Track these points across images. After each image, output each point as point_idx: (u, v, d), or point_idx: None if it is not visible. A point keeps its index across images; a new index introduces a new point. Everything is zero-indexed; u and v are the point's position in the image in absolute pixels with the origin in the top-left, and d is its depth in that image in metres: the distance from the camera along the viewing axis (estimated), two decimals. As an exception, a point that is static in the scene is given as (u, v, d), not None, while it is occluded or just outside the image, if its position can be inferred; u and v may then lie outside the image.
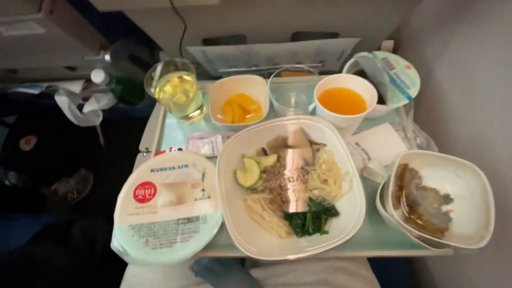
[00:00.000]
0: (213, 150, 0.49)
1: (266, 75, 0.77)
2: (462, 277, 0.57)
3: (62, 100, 0.80)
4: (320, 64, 0.68)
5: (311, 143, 0.45)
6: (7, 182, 1.07)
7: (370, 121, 0.50)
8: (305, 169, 0.44)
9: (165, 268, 0.49)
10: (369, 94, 0.42)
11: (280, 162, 0.45)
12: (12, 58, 0.65)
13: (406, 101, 0.44)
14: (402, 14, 0.48)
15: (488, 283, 0.51)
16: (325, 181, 0.42)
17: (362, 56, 0.47)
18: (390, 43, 0.70)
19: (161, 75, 0.50)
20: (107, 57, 0.61)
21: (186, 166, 0.45)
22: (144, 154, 0.54)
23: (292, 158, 0.44)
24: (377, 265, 0.52)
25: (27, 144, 1.14)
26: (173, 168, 0.45)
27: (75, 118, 0.81)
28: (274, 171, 0.44)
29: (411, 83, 0.46)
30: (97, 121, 0.88)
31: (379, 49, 0.70)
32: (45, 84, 0.80)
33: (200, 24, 0.54)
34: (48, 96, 0.84)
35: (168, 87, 0.50)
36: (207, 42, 0.60)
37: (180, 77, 0.51)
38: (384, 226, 0.41)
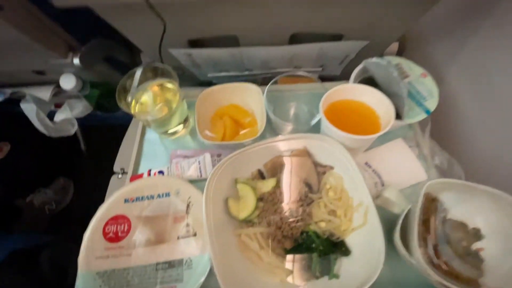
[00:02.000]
0: (200, 172, 0.42)
1: (259, 80, 0.70)
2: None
3: (29, 108, 0.71)
4: (320, 69, 0.61)
5: (316, 165, 0.38)
6: (-23, 194, 0.97)
7: (381, 136, 0.44)
8: (310, 197, 0.37)
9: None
10: (384, 109, 0.36)
11: (280, 187, 0.38)
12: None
13: (423, 115, 0.38)
14: (416, 15, 0.42)
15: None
16: (333, 212, 0.36)
17: (374, 62, 0.40)
18: (394, 46, 0.64)
19: (138, 85, 0.42)
20: (76, 61, 0.52)
21: (168, 194, 0.37)
22: (120, 175, 0.46)
23: (294, 184, 0.38)
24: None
25: (-1, 151, 1.04)
26: (152, 197, 0.38)
27: (45, 128, 0.72)
28: (273, 199, 0.37)
29: (428, 93, 0.40)
30: (72, 130, 0.79)
31: (383, 52, 0.64)
32: (9, 90, 0.71)
33: (184, 23, 0.46)
34: (16, 102, 0.75)
35: (145, 97, 0.42)
36: (194, 43, 0.52)
37: (161, 85, 0.43)
38: (400, 262, 0.35)
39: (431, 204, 0.32)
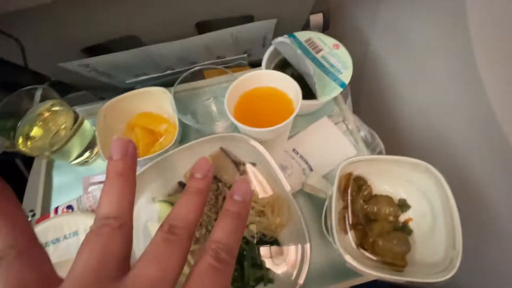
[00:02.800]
0: (117, 196, 0.37)
1: (188, 76, 0.65)
2: None
3: None
4: (245, 55, 0.57)
5: (237, 163, 0.35)
6: None
7: (307, 117, 0.41)
8: (235, 201, 0.34)
9: None
10: (294, 91, 0.33)
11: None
12: None
13: (339, 90, 0.36)
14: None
15: None
16: (261, 212, 0.33)
17: (280, 42, 0.37)
18: (318, 17, 0.62)
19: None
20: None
21: (76, 233, 0.33)
22: (29, 219, 0.40)
23: (216, 190, 0.34)
24: None
25: None
26: (58, 240, 0.33)
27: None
28: (197, 211, 0.34)
29: (342, 65, 0.38)
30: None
31: (308, 25, 0.61)
32: None
33: (66, 30, 0.40)
34: None
35: (34, 129, 0.36)
36: (91, 51, 0.46)
37: (48, 110, 0.37)
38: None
39: (352, 184, 0.30)
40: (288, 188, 0.30)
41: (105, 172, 0.16)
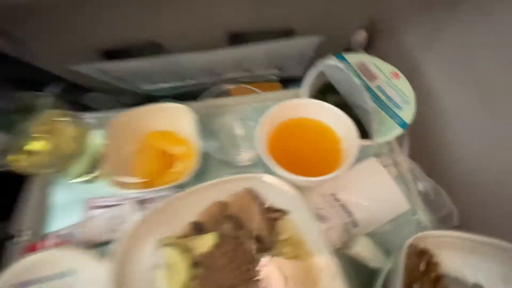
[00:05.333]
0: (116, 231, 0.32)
1: (214, 92, 0.60)
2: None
3: None
4: (277, 71, 0.51)
5: (266, 210, 0.29)
6: None
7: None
8: (258, 256, 0.28)
9: None
10: (345, 130, 0.27)
11: (223, 245, 0.28)
12: None
13: (399, 131, 0.30)
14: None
15: None
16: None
17: (330, 65, 0.31)
18: (361, 35, 0.55)
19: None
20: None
21: (63, 275, 0.27)
22: (19, 240, 0.35)
23: (236, 239, 0.28)
24: None
25: None
26: (45, 280, 0.27)
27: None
28: (214, 264, 0.28)
29: (401, 100, 0.31)
30: None
31: (349, 44, 0.55)
32: None
33: (79, 31, 0.35)
34: None
35: (34, 143, 0.31)
36: (107, 55, 0.41)
37: (51, 122, 0.32)
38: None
39: (416, 259, 0.24)
40: (330, 259, 0.23)
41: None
